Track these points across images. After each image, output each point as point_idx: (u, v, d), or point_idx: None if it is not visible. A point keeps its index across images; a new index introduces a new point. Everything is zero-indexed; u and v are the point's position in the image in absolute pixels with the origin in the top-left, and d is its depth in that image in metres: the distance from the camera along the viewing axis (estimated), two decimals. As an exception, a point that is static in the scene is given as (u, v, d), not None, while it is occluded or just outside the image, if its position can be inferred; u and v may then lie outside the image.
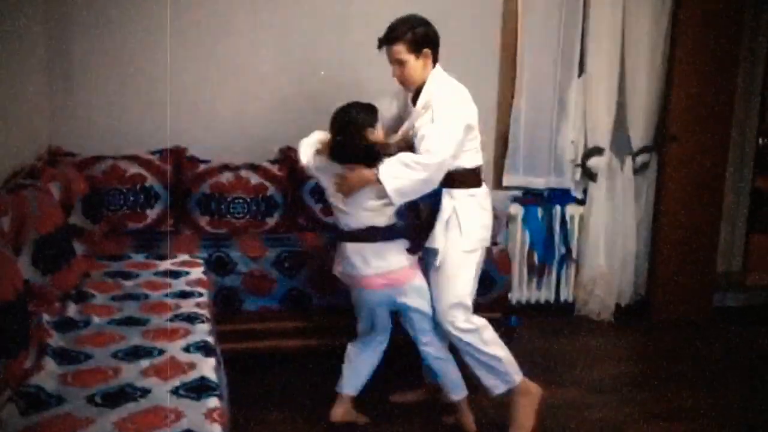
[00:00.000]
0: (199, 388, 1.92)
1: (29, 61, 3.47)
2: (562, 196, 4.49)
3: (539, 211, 4.41)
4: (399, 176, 2.62)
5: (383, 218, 2.75)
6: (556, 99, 4.44)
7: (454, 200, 2.78)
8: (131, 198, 3.68)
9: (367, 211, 2.74)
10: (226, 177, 3.79)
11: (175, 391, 1.88)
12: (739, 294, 4.83)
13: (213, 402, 1.85)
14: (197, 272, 3.05)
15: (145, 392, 1.86)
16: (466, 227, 2.77)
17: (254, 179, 3.80)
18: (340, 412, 2.97)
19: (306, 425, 3.00)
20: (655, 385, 3.56)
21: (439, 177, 2.68)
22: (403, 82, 2.81)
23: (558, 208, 4.44)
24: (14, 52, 3.19)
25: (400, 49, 2.72)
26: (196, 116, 3.97)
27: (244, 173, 3.81)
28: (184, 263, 3.16)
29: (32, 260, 2.41)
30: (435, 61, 2.80)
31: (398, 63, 2.75)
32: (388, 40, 2.74)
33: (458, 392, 2.95)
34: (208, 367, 2.06)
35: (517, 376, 2.88)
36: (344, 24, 3.99)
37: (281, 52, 4.03)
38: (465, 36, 4.25)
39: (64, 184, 3.06)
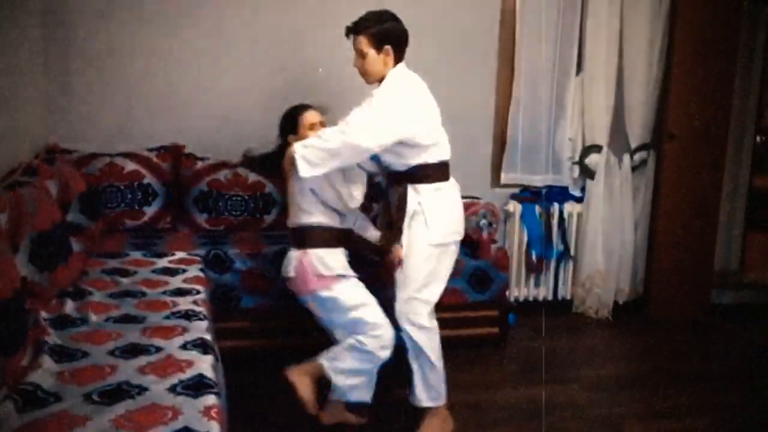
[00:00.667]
0: (197, 386, 1.91)
1: (27, 59, 3.46)
2: (560, 194, 4.50)
3: (537, 209, 4.42)
4: (308, 144, 2.65)
5: (294, 218, 2.79)
6: (554, 97, 4.45)
7: (419, 195, 2.78)
8: (129, 195, 3.68)
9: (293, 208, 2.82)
10: (224, 174, 3.79)
11: (172, 389, 1.88)
12: (737, 292, 4.84)
13: (210, 399, 1.85)
14: (195, 270, 3.05)
15: (143, 390, 1.86)
16: (432, 221, 2.76)
17: (252, 177, 3.80)
18: (330, 414, 2.96)
19: (303, 423, 2.99)
20: (653, 382, 3.56)
21: (350, 154, 2.63)
22: (362, 74, 2.81)
23: (556, 205, 4.45)
24: (12, 50, 3.18)
25: (363, 41, 2.74)
26: (194, 113, 3.96)
27: (241, 171, 3.81)
28: (181, 261, 3.16)
29: (30, 257, 2.41)
30: (399, 59, 2.78)
31: (360, 54, 2.77)
32: (353, 30, 2.76)
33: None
34: (205, 365, 2.06)
35: (443, 397, 2.88)
36: (341, 21, 3.98)
37: (279, 49, 4.02)
38: (464, 34, 4.27)
39: (61, 181, 3.06)
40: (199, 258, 3.26)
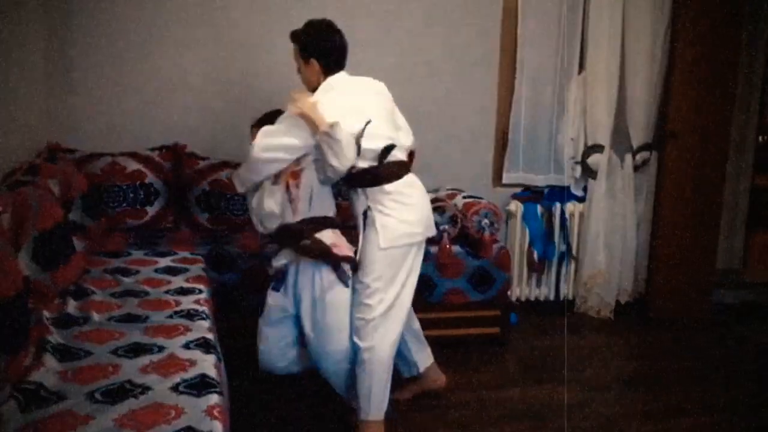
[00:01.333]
0: (200, 385, 1.91)
1: (28, 59, 3.46)
2: (561, 194, 4.50)
3: (539, 209, 4.42)
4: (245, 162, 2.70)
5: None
6: (555, 96, 4.45)
7: (368, 199, 2.72)
8: (131, 195, 3.68)
9: None
10: (226, 174, 3.78)
11: (175, 388, 1.88)
12: (739, 291, 4.84)
13: (213, 399, 1.85)
14: (197, 269, 3.05)
15: (146, 389, 1.86)
16: (381, 225, 2.69)
17: (254, 176, 3.80)
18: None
19: (306, 422, 3.00)
20: (655, 382, 3.56)
21: (257, 166, 2.63)
22: (302, 81, 2.83)
23: (558, 205, 4.45)
24: (14, 50, 3.18)
25: (295, 50, 2.78)
26: (196, 113, 3.96)
27: (243, 170, 3.81)
28: (183, 260, 3.16)
29: (32, 257, 2.41)
30: (329, 71, 2.74)
31: (296, 62, 2.80)
32: (290, 38, 2.79)
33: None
34: (208, 364, 2.06)
35: (378, 413, 2.77)
36: (343, 20, 3.98)
37: (281, 49, 4.01)
38: (466, 34, 4.26)
39: (63, 180, 3.06)
40: (201, 257, 3.26)
